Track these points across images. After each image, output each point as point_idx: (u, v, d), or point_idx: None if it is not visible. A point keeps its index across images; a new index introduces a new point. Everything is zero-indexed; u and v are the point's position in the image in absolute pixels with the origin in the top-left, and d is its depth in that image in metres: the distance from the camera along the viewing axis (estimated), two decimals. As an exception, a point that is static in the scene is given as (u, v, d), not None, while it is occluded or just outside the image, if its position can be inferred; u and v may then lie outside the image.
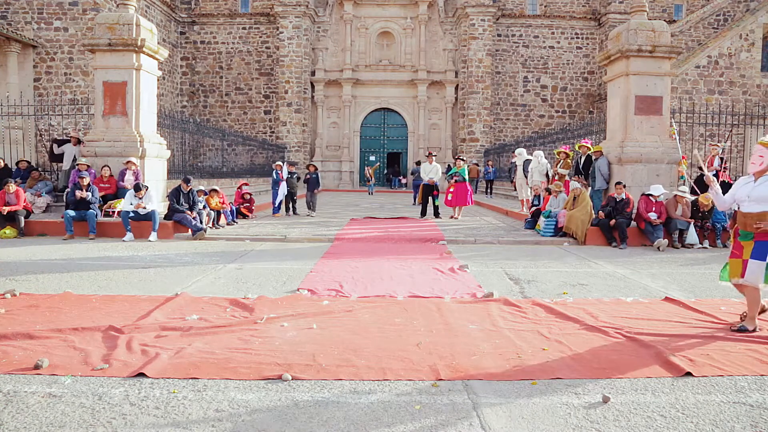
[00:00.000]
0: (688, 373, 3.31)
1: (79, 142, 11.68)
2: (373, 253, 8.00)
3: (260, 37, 30.88)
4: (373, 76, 30.79)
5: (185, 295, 5.15)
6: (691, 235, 9.23)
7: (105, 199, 10.37)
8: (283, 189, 13.35)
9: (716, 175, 10.61)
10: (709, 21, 25.93)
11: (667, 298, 5.30)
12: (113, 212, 10.17)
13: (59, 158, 12.00)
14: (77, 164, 10.46)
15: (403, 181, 28.47)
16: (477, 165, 24.46)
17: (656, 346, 3.76)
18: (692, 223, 9.31)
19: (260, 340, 3.86)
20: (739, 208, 4.39)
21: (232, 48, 30.92)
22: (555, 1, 30.98)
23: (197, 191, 10.05)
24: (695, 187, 9.70)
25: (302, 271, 6.57)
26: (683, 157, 10.77)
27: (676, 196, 9.40)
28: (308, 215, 13.36)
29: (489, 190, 23.66)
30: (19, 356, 3.45)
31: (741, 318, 4.40)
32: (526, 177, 13.03)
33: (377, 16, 30.84)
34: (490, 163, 24.76)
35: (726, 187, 10.41)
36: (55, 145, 12.10)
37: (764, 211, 4.18)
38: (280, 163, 13.81)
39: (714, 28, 25.81)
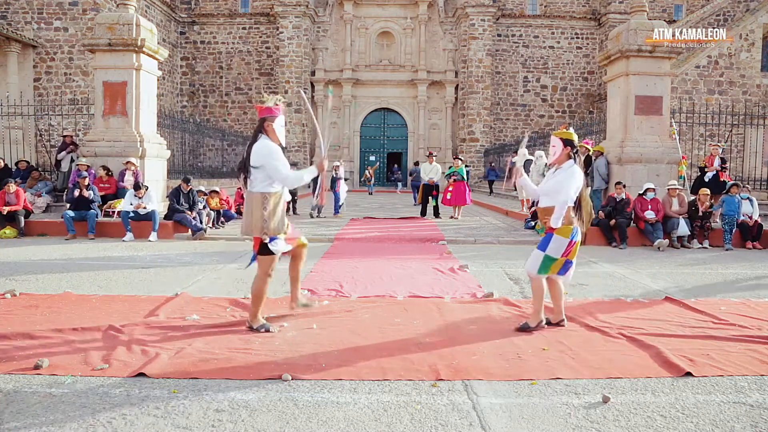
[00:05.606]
0: (688, 373, 3.31)
1: (73, 143, 11.67)
2: (373, 253, 8.00)
3: (260, 37, 30.86)
4: (373, 76, 30.76)
5: (185, 295, 5.15)
6: (682, 228, 9.12)
7: (105, 199, 10.37)
8: (343, 188, 13.38)
9: (717, 175, 10.61)
10: (709, 21, 25.88)
11: (667, 298, 5.30)
12: (113, 212, 10.17)
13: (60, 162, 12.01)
14: (77, 164, 10.45)
15: (393, 177, 28.42)
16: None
17: (656, 346, 3.75)
18: (685, 217, 9.22)
19: (260, 340, 3.87)
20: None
21: (232, 48, 30.90)
22: (555, 1, 30.96)
23: (197, 191, 10.05)
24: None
25: (302, 271, 6.55)
26: (683, 157, 10.76)
27: (669, 190, 9.37)
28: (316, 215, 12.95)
29: (489, 191, 23.67)
30: (19, 356, 3.45)
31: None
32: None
33: (377, 16, 30.82)
34: (491, 163, 24.76)
35: (725, 187, 10.46)
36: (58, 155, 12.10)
37: (550, 206, 4.15)
38: (337, 163, 13.91)
39: (714, 28, 25.77)
